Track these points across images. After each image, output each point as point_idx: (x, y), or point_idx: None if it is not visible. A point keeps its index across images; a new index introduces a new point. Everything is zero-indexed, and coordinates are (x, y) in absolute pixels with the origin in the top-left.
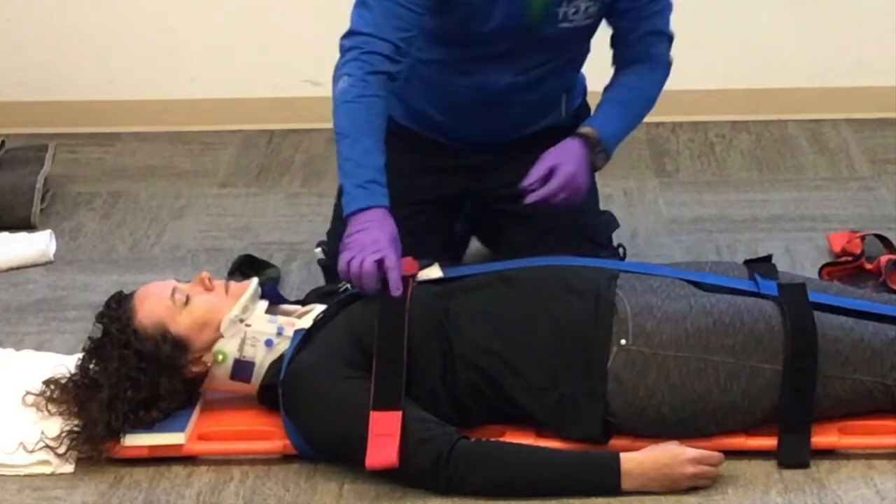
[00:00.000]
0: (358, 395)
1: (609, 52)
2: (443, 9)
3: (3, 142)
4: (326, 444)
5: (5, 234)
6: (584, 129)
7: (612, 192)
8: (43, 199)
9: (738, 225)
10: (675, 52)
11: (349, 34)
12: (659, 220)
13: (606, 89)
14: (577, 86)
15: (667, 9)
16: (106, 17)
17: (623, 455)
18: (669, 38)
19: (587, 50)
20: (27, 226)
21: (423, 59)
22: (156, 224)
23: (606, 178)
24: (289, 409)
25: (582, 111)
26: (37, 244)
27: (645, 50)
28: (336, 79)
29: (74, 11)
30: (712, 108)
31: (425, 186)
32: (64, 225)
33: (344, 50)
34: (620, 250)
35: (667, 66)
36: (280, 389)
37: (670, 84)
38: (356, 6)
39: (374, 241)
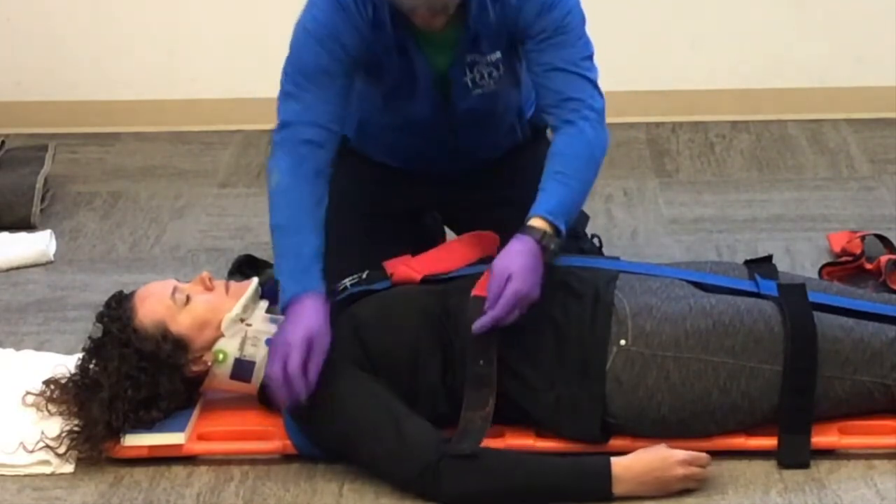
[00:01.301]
0: (360, 392)
1: (604, 50)
2: (368, 93)
3: (3, 142)
4: (328, 441)
5: (5, 234)
6: (536, 221)
7: (612, 192)
8: (43, 199)
9: (738, 225)
10: (676, 52)
11: (278, 128)
12: (659, 220)
13: (546, 161)
14: (527, 101)
15: (579, 42)
16: (106, 18)
17: (613, 460)
18: (590, 80)
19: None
20: (27, 226)
21: (377, 123)
22: (156, 224)
23: (606, 178)
24: (292, 406)
25: (537, 119)
26: (37, 244)
27: (563, 90)
28: (269, 173)
29: (74, 11)
30: (712, 108)
31: (392, 196)
32: (64, 225)
33: (275, 145)
34: (595, 240)
35: (595, 111)
36: None
37: (670, 84)
38: (280, 98)
39: (285, 341)
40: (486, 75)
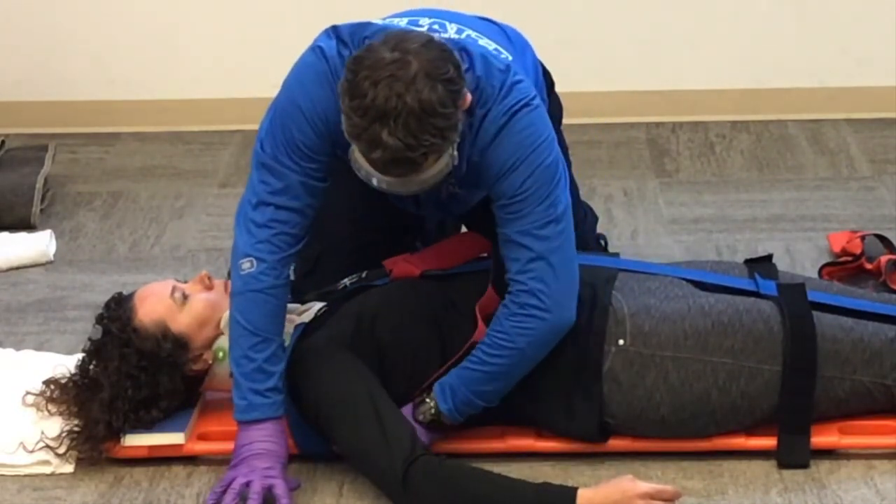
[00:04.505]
0: (360, 383)
1: (604, 50)
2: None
3: (3, 142)
4: (325, 424)
5: (5, 234)
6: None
7: (612, 192)
8: (43, 199)
9: (738, 225)
10: (676, 52)
11: (257, 205)
12: (659, 220)
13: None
14: None
15: (538, 208)
16: (105, 17)
17: (580, 491)
18: (538, 254)
19: None
20: (27, 226)
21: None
22: (156, 224)
23: (606, 178)
24: (294, 389)
25: None
26: (37, 244)
27: (510, 267)
28: (241, 251)
29: (74, 11)
30: (712, 108)
31: (391, 213)
32: (64, 225)
33: (252, 223)
34: (602, 241)
35: (536, 295)
36: (286, 373)
37: (670, 84)
38: (257, 168)
39: (267, 467)
40: (465, 195)
